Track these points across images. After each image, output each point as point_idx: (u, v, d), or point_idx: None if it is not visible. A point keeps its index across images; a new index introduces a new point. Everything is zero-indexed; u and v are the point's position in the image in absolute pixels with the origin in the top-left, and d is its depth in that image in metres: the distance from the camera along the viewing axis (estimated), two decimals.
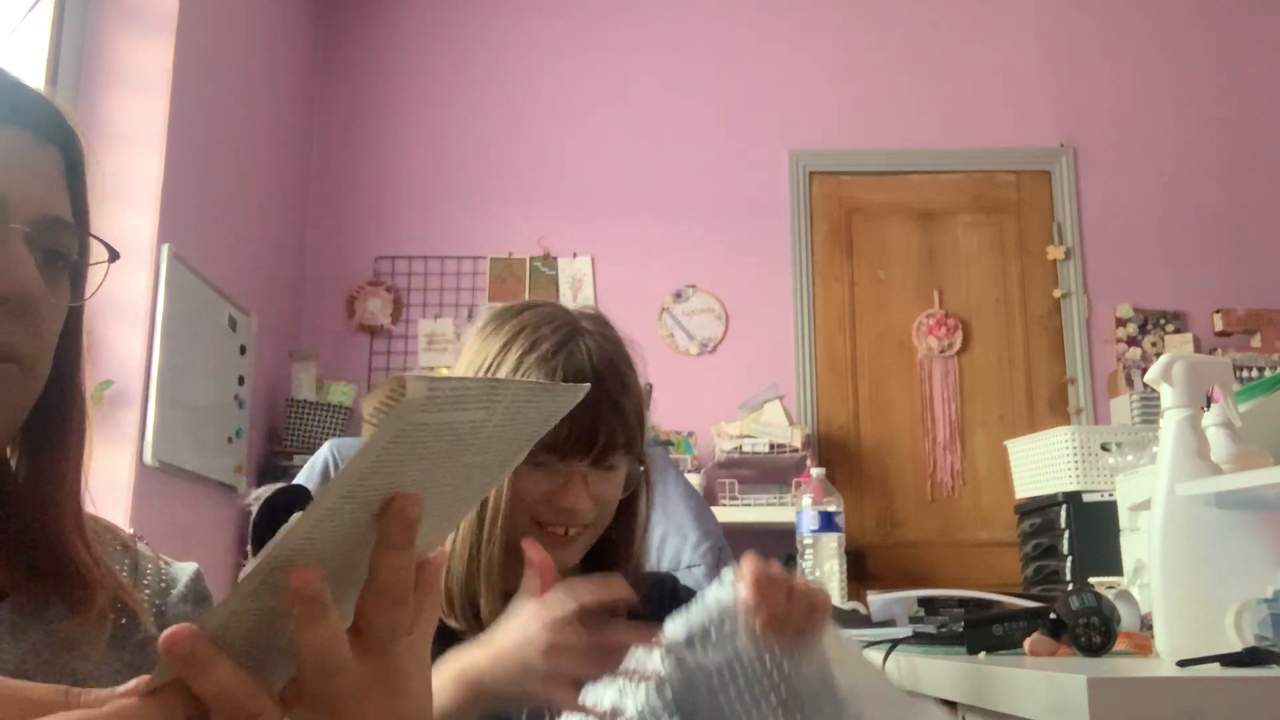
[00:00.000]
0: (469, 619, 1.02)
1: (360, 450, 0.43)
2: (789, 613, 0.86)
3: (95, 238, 0.70)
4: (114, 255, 0.70)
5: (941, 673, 1.20)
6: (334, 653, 0.46)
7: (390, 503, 0.45)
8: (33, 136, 0.66)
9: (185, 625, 0.43)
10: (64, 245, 0.67)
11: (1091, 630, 1.16)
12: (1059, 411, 4.00)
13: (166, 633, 0.43)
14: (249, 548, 1.16)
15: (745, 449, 3.73)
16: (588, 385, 0.51)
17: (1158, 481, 1.13)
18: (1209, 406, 1.21)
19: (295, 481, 1.60)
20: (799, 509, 1.94)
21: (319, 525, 0.44)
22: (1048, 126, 4.20)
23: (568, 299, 3.99)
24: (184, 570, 0.75)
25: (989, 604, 1.57)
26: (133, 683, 0.44)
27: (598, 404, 1.01)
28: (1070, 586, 2.13)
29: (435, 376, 0.42)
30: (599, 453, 1.03)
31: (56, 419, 0.68)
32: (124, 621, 0.67)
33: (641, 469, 1.09)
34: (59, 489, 0.67)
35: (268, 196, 3.82)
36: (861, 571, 3.66)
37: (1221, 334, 3.95)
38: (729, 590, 0.88)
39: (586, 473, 1.03)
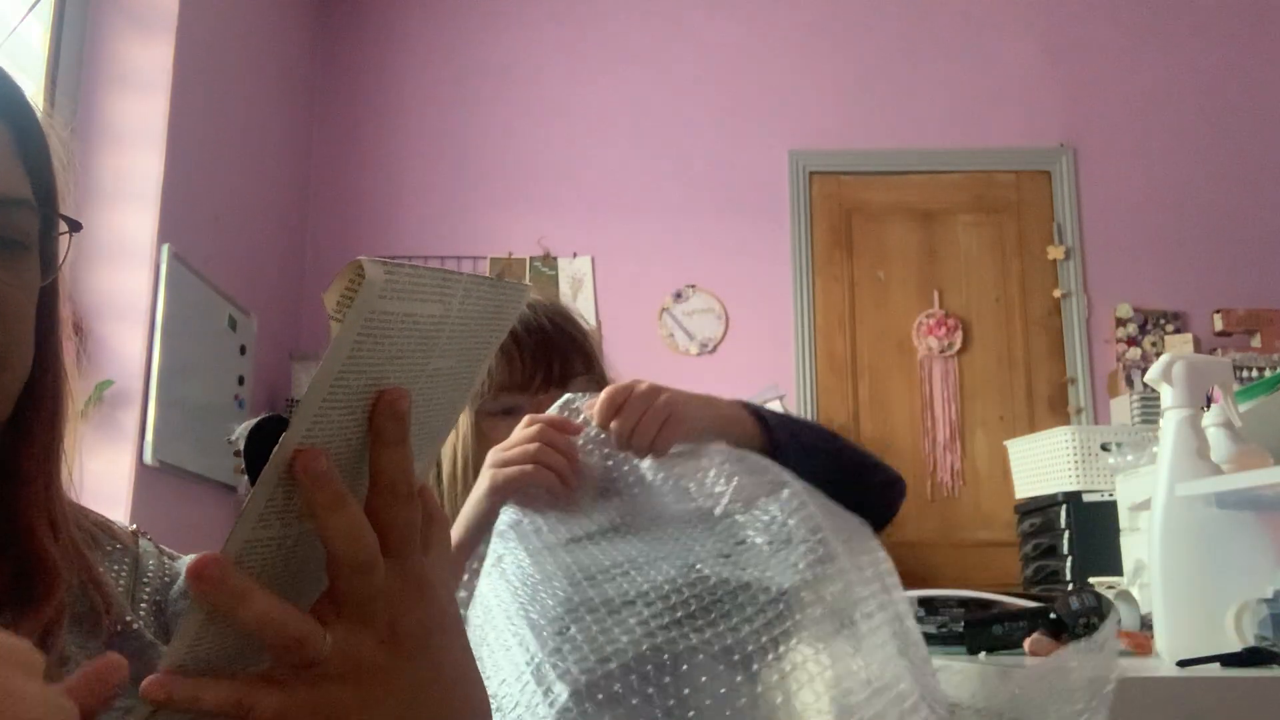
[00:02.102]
0: None
1: (333, 344, 0.42)
2: (637, 430, 0.88)
3: (60, 216, 0.65)
4: (75, 226, 0.65)
5: (941, 673, 1.20)
6: (363, 541, 0.45)
7: (379, 398, 0.45)
8: None
9: (208, 554, 0.42)
10: (17, 225, 0.61)
11: (1091, 630, 1.16)
12: (1059, 411, 4.00)
13: (192, 562, 0.41)
14: (245, 478, 1.16)
15: None
16: (529, 284, 0.52)
17: (1158, 481, 1.13)
18: (1209, 406, 1.21)
19: None
20: None
21: (310, 433, 0.43)
22: (1048, 126, 4.20)
23: (568, 299, 3.99)
24: (185, 563, 0.74)
25: (989, 604, 1.57)
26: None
27: (546, 336, 1.08)
28: (1070, 586, 2.13)
29: (390, 260, 0.42)
30: (560, 376, 1.06)
31: (25, 402, 0.65)
32: (119, 628, 0.65)
33: None
34: (26, 474, 0.64)
35: (268, 196, 3.82)
36: None
37: (1221, 334, 3.95)
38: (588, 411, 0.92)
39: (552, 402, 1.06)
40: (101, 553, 0.70)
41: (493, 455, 0.91)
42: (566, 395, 0.94)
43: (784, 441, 0.97)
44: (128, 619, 0.66)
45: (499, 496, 0.87)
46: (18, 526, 0.63)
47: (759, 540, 0.81)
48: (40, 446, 0.65)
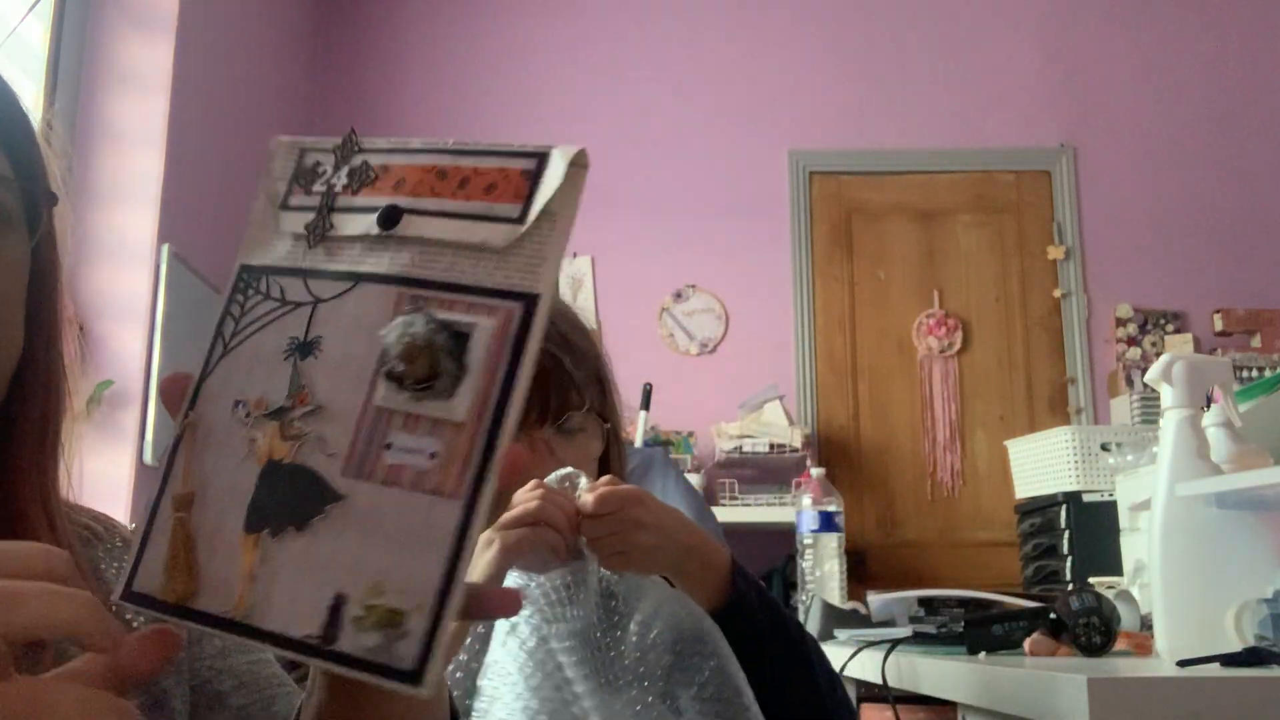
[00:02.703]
0: None
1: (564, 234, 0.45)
2: (593, 543, 0.88)
3: (34, 187, 0.63)
4: (51, 200, 0.63)
5: (941, 673, 1.20)
6: None
7: None
8: None
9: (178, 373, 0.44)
10: None
11: (1091, 630, 1.16)
12: (1059, 411, 4.00)
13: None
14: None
15: (745, 449, 3.73)
16: None
17: (1158, 481, 1.13)
18: (1209, 406, 1.21)
19: None
20: (799, 509, 1.94)
21: None
22: (1048, 126, 4.21)
23: (567, 299, 3.99)
24: None
25: (989, 604, 1.57)
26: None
27: (543, 371, 1.02)
28: (1070, 586, 2.13)
29: None
30: (555, 412, 1.03)
31: (16, 391, 0.62)
32: None
33: (608, 426, 1.08)
34: (18, 465, 0.62)
35: None
36: (861, 571, 3.66)
37: (1221, 334, 3.95)
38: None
39: (550, 439, 1.03)
40: (103, 548, 0.69)
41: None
42: (568, 469, 0.92)
43: (737, 611, 0.93)
44: (127, 616, 0.64)
45: (510, 557, 0.86)
46: (12, 519, 0.61)
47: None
48: (32, 437, 0.63)
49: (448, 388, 0.42)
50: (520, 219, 0.44)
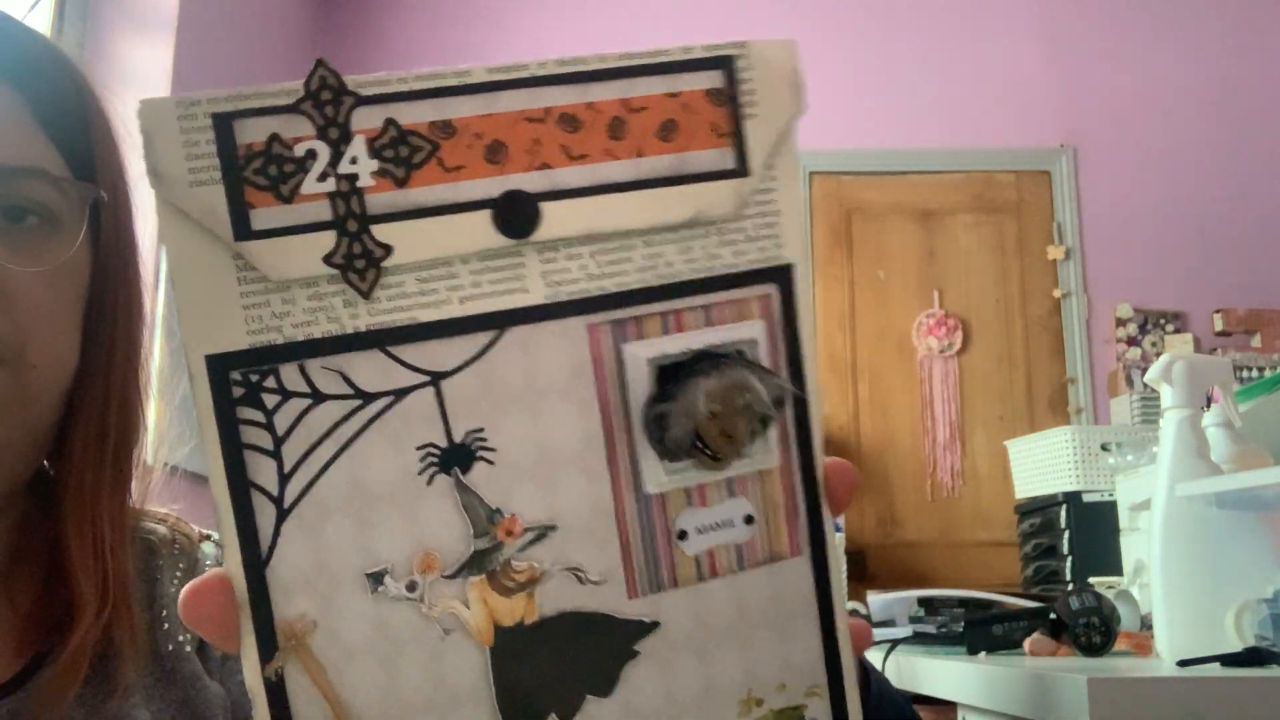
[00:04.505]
0: None
1: None
2: None
3: (102, 185, 0.57)
4: (93, 195, 0.56)
5: (941, 673, 1.20)
6: None
7: None
8: None
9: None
10: (28, 197, 0.53)
11: (1091, 630, 1.16)
12: (1059, 411, 4.00)
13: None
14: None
15: None
16: None
17: (1158, 481, 1.13)
18: (1209, 406, 1.21)
19: None
20: None
21: None
22: (1048, 126, 4.20)
23: None
24: None
25: (989, 604, 1.58)
26: None
27: None
28: (1070, 586, 2.13)
29: None
30: None
31: (69, 406, 0.57)
32: (169, 648, 0.59)
33: None
34: (64, 492, 0.57)
35: None
36: (861, 571, 3.66)
37: (1221, 334, 3.95)
38: None
39: None
40: (163, 556, 0.66)
41: None
42: None
43: None
44: (180, 639, 0.61)
45: None
46: (53, 552, 0.57)
47: None
48: (83, 464, 0.58)
49: (747, 437, 0.31)
50: (742, 168, 0.31)
